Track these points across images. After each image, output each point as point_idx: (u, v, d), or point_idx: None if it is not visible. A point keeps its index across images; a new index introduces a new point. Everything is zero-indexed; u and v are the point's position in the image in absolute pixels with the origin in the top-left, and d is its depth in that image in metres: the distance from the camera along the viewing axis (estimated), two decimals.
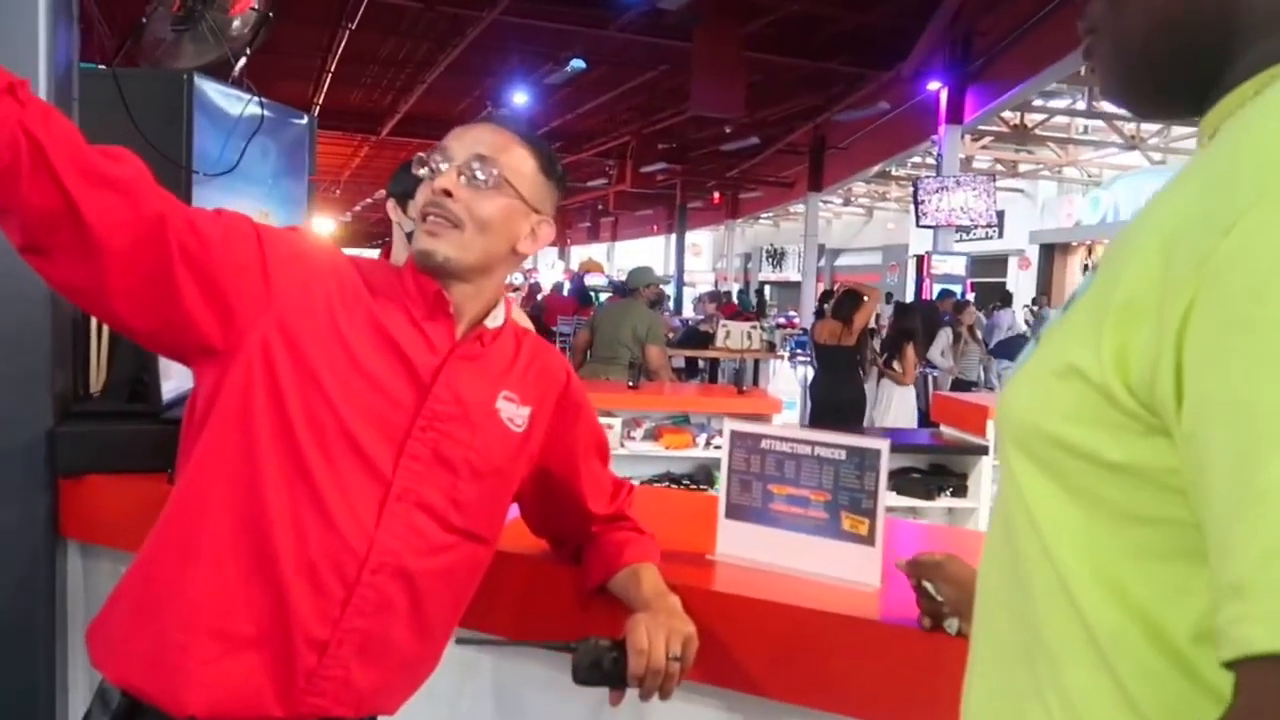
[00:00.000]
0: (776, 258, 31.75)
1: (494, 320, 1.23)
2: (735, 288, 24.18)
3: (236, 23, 3.22)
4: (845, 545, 1.35)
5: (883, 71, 12.85)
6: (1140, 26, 0.64)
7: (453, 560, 1.17)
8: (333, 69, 14.06)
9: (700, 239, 30.99)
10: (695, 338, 8.56)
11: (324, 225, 25.21)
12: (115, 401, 2.13)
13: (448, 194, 1.13)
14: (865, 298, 6.17)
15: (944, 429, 4.17)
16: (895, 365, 6.18)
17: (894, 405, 6.14)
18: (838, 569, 1.35)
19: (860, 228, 29.49)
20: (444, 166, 1.15)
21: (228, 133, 2.88)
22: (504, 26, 11.77)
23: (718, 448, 4.00)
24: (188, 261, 1.03)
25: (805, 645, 1.26)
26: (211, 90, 2.85)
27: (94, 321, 2.20)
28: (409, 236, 2.35)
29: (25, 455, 1.91)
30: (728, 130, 16.32)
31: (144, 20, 3.47)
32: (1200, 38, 0.61)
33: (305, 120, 3.36)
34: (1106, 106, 16.49)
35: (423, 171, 1.16)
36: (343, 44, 12.64)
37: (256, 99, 2.86)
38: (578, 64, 12.40)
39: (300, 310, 1.09)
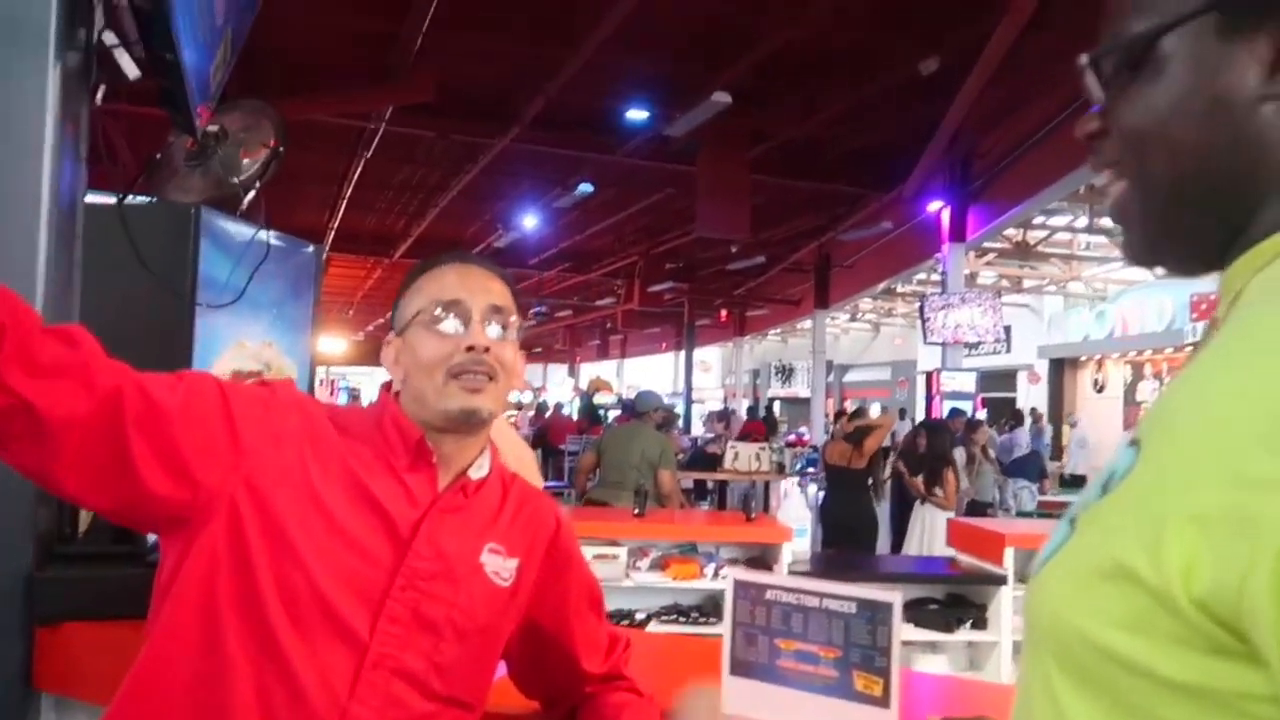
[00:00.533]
0: (785, 373, 31.82)
1: (479, 470, 1.18)
2: (745, 404, 24.15)
3: (246, 160, 3.30)
4: (858, 707, 1.25)
5: (885, 192, 13.12)
6: (1165, 172, 0.61)
7: None
8: (348, 195, 14.45)
9: (709, 355, 31.16)
10: (703, 459, 8.47)
11: (335, 345, 25.52)
12: (100, 542, 2.07)
13: (486, 349, 1.12)
14: (875, 426, 6.10)
15: (961, 557, 4.03)
16: (937, 490, 6.03)
17: (939, 530, 5.95)
18: None
19: (868, 343, 29.65)
20: (471, 321, 1.14)
21: (234, 262, 2.90)
22: (514, 153, 12.14)
23: (725, 578, 3.86)
24: (145, 435, 1.00)
25: None
26: (220, 221, 2.89)
27: None
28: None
29: (1, 601, 1.83)
30: (734, 250, 16.60)
31: (158, 155, 3.56)
32: (1225, 188, 0.59)
33: (312, 249, 3.40)
34: (1108, 223, 16.76)
35: (445, 327, 1.13)
36: (358, 171, 13.01)
37: (263, 232, 2.90)
38: (585, 188, 12.74)
39: (271, 469, 1.05)
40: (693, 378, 22.93)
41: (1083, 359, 24.23)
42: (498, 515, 1.19)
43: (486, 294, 1.16)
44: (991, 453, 7.44)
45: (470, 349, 1.11)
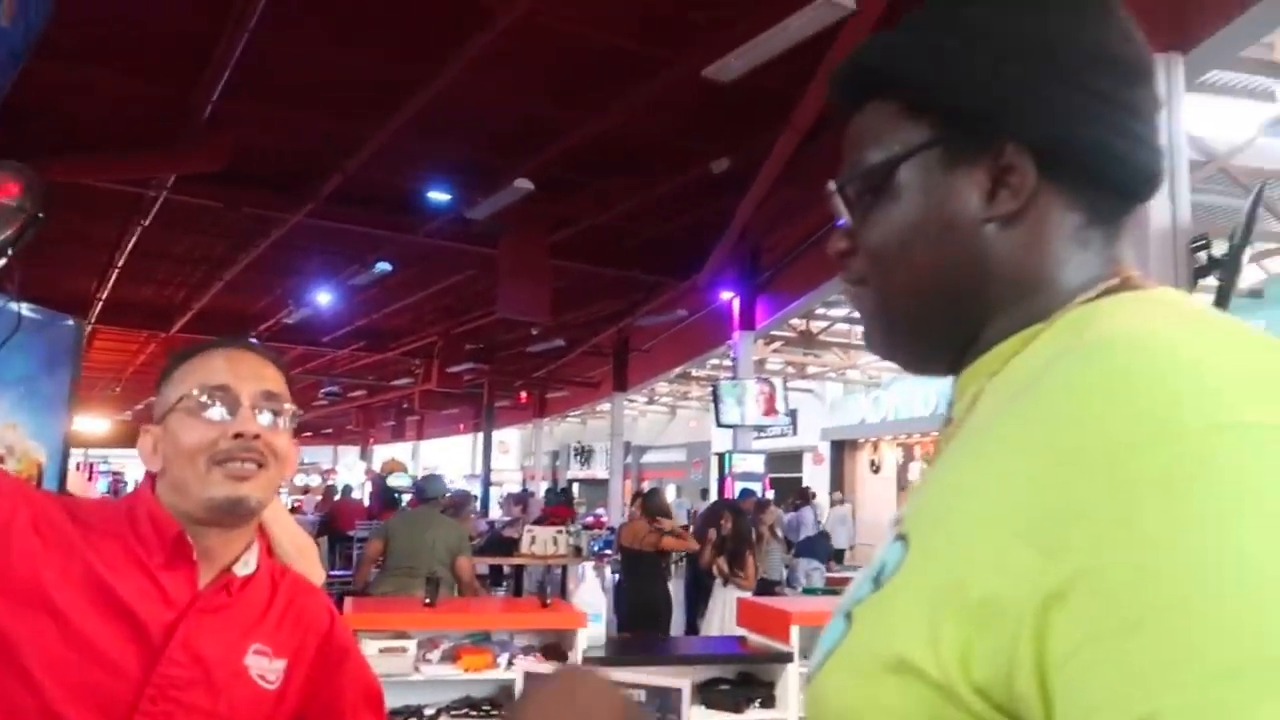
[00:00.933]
0: (584, 455, 31.98)
1: (245, 566, 1.11)
2: (544, 486, 23.99)
3: None
4: None
5: (681, 280, 13.67)
6: (905, 287, 0.67)
7: None
8: (120, 264, 13.44)
9: (508, 436, 30.88)
10: (500, 544, 8.31)
11: (97, 425, 23.35)
12: None
13: (256, 436, 1.06)
14: (676, 537, 6.26)
15: (750, 636, 4.14)
16: (739, 571, 6.17)
17: (732, 611, 6.11)
18: None
19: (665, 425, 30.39)
20: (240, 407, 1.07)
21: None
22: (309, 228, 11.75)
23: (523, 666, 3.77)
24: None
25: None
26: None
27: None
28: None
29: None
30: (534, 332, 16.69)
31: None
32: (958, 301, 0.65)
33: (72, 322, 3.12)
34: None
35: (210, 414, 1.07)
36: (134, 240, 12.16)
37: (13, 303, 2.64)
38: (384, 267, 12.50)
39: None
40: (491, 459, 22.59)
41: (860, 441, 25.94)
42: (265, 613, 1.11)
43: (258, 380, 1.11)
44: (779, 532, 7.75)
45: (238, 435, 1.05)
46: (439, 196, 11.04)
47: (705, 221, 11.71)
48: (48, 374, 2.96)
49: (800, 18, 5.90)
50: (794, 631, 3.73)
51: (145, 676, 0.98)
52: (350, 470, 26.34)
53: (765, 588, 7.16)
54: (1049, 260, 0.63)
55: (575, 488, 29.75)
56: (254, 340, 1.22)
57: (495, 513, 17.23)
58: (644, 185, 10.63)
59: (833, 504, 18.25)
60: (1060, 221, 0.63)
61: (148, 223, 11.49)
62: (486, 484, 21.77)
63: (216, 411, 1.07)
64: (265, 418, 1.09)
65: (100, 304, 15.68)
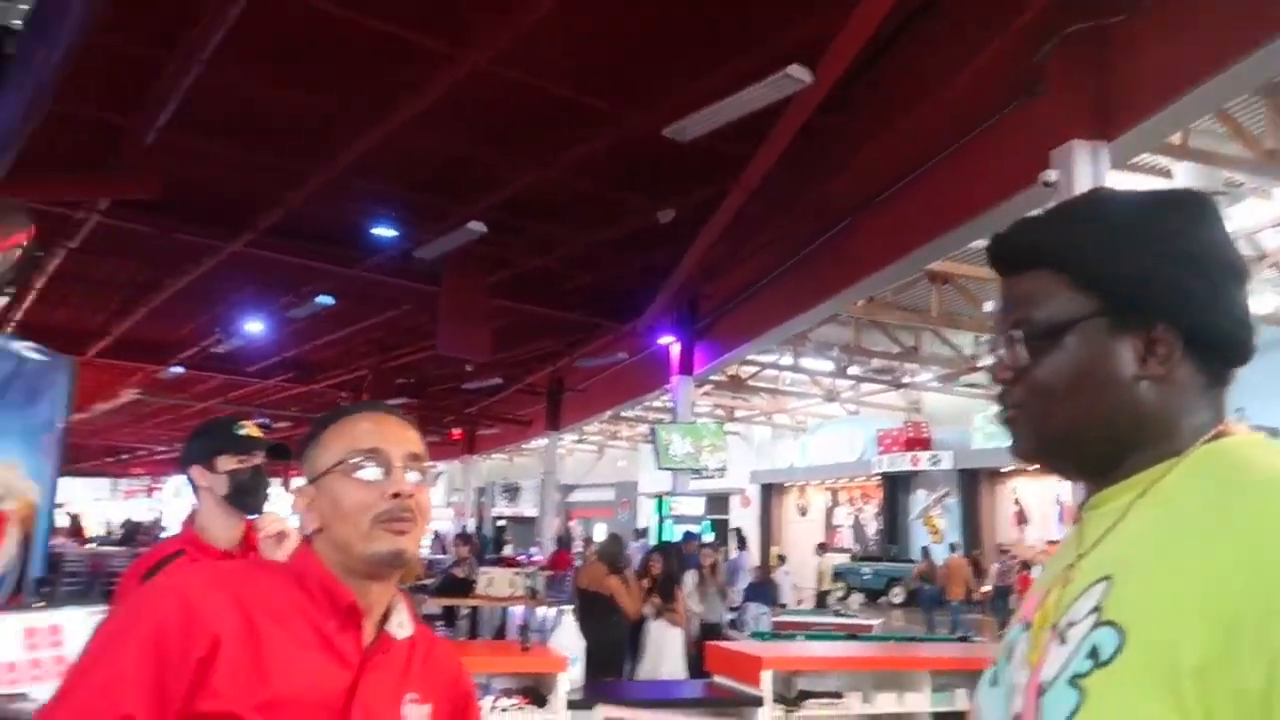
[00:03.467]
0: (512, 492, 31.73)
1: (402, 629, 1.21)
2: (472, 523, 23.69)
3: None
4: None
5: (619, 323, 13.82)
6: (1065, 420, 0.85)
7: None
8: (40, 285, 12.96)
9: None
10: (452, 585, 8.25)
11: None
12: None
13: (410, 495, 1.16)
14: (623, 596, 6.39)
15: (718, 679, 4.23)
16: (670, 605, 6.28)
17: (667, 648, 6.20)
18: None
19: (592, 464, 30.36)
20: (393, 469, 1.17)
21: None
22: (244, 258, 11.56)
23: (504, 710, 3.79)
24: None
25: None
26: None
27: None
28: (233, 500, 2.19)
29: None
30: (469, 369, 16.62)
31: None
32: (1109, 437, 0.84)
33: (64, 362, 3.08)
34: (809, 363, 18.61)
35: (366, 475, 1.15)
36: (57, 262, 11.77)
37: (16, 343, 2.62)
38: (325, 300, 12.33)
39: (216, 690, 1.01)
40: None
41: (788, 484, 26.28)
42: (409, 663, 1.21)
43: (404, 442, 1.20)
44: (721, 575, 7.87)
45: (395, 496, 1.14)
46: (384, 233, 11.01)
47: (645, 268, 11.91)
48: (40, 414, 2.91)
49: (758, 89, 6.16)
50: (765, 676, 3.83)
51: None
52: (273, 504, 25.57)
53: (709, 631, 7.25)
54: (1182, 410, 0.83)
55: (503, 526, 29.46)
56: (393, 405, 1.31)
57: (424, 551, 16.93)
58: (588, 232, 10.79)
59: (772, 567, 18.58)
60: (1191, 382, 0.83)
61: (74, 245, 11.15)
62: None
63: (371, 473, 1.16)
64: (413, 476, 1.18)
65: (11, 325, 15.06)
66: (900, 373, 19.53)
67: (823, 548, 20.29)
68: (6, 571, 2.76)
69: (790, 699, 4.07)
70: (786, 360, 17.92)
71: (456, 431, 23.58)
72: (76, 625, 2.30)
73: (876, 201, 8.39)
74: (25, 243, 2.64)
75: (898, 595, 19.21)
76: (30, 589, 2.81)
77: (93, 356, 17.33)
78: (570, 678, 3.71)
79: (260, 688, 1.03)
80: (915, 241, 8.08)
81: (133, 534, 17.94)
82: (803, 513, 26.27)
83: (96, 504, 37.86)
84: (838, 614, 10.05)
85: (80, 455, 38.40)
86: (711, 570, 7.98)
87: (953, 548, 17.70)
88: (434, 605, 7.90)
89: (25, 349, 2.53)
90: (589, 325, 14.66)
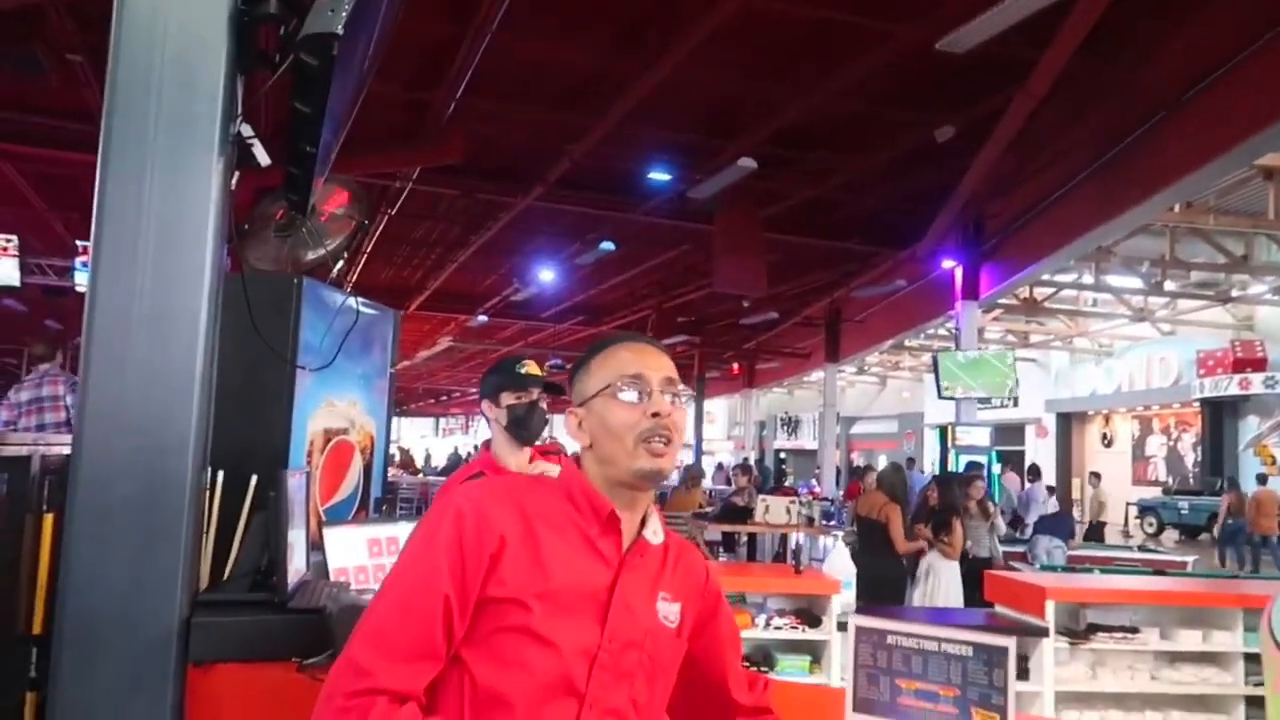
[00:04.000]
0: (791, 425, 31.95)
1: (656, 536, 1.37)
2: (753, 455, 24.22)
3: (332, 231, 3.53)
4: None
5: (896, 250, 13.42)
6: None
7: None
8: (368, 249, 14.73)
9: (713, 406, 31.30)
10: (732, 512, 8.64)
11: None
12: (237, 591, 2.24)
13: (668, 414, 1.31)
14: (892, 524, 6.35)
15: (999, 609, 4.18)
16: (945, 538, 6.23)
17: (944, 580, 6.15)
18: None
19: (874, 396, 29.80)
20: (652, 392, 1.32)
21: (325, 327, 3.12)
22: (535, 211, 12.45)
23: (777, 628, 4.02)
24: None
25: None
26: (313, 289, 3.11)
27: (204, 513, 2.34)
28: (511, 431, 2.53)
29: (158, 646, 1.96)
30: (746, 305, 16.87)
31: (245, 225, 3.80)
32: None
33: (392, 314, 3.62)
34: (1114, 280, 17.07)
35: (631, 396, 1.32)
36: (381, 227, 13.31)
37: (354, 299, 3.12)
38: (608, 246, 13.00)
39: (507, 581, 1.23)
40: (703, 429, 23.05)
41: (1090, 413, 24.32)
42: (663, 567, 1.37)
43: (661, 368, 1.35)
44: (991, 506, 7.52)
45: (655, 415, 1.30)
46: (659, 177, 11.38)
47: (921, 192, 11.45)
48: (374, 359, 3.46)
49: None
50: (1049, 606, 3.75)
51: (602, 625, 1.26)
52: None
53: (976, 565, 6.99)
54: None
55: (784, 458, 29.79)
56: (649, 336, 1.47)
57: (708, 482, 17.59)
58: (862, 158, 10.53)
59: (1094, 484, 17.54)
60: None
61: (394, 211, 12.57)
62: (698, 454, 22.27)
63: (633, 396, 1.31)
64: (669, 398, 1.33)
65: (350, 286, 17.25)
66: (1227, 286, 17.43)
67: (1096, 477, 18.61)
68: (353, 492, 3.32)
69: (1078, 631, 3.95)
70: (1088, 279, 16.56)
71: (735, 367, 24.03)
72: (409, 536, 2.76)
73: (1195, 91, 7.49)
74: (345, 205, 3.07)
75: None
76: (373, 507, 3.37)
77: (414, 310, 19.51)
78: (842, 601, 3.83)
79: (538, 580, 1.22)
80: (1243, 132, 7.13)
81: (455, 464, 20.14)
82: (1107, 443, 24.23)
83: (421, 440, 43.00)
84: (1143, 549, 9.33)
85: (408, 398, 43.49)
86: (980, 504, 7.55)
87: None
88: (714, 531, 8.28)
89: (361, 303, 2.99)
90: (865, 254, 14.36)
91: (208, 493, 2.35)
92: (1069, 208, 10.19)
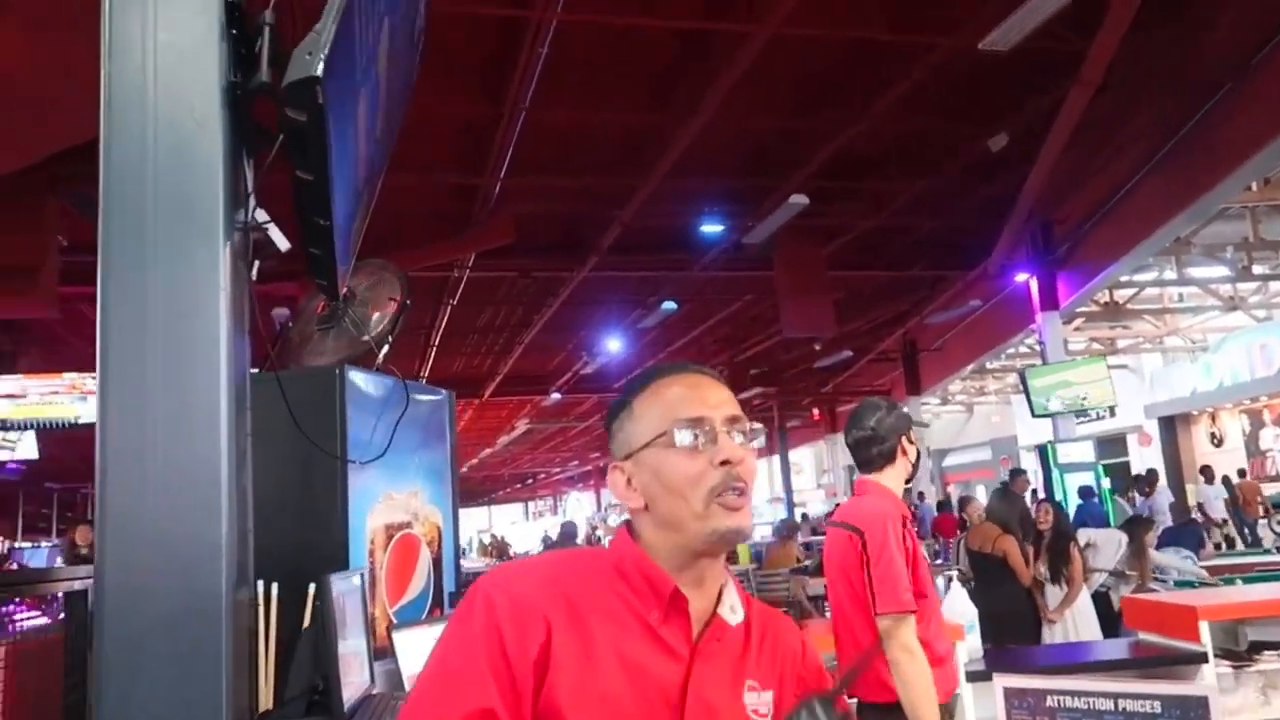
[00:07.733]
0: None
1: (734, 614, 1.10)
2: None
3: (375, 316, 3.40)
4: None
5: (965, 271, 12.99)
6: None
7: None
8: (437, 342, 14.86)
9: (799, 456, 30.61)
10: None
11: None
12: (294, 714, 2.05)
13: (741, 461, 1.06)
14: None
15: (1144, 636, 3.74)
16: (1065, 569, 5.73)
17: (1078, 613, 5.63)
18: None
19: (962, 425, 28.89)
20: (718, 435, 1.07)
21: (376, 416, 2.96)
22: (593, 281, 12.40)
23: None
24: None
25: None
26: (357, 379, 2.97)
27: (261, 633, 2.16)
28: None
29: None
30: (818, 347, 16.51)
31: (290, 323, 3.70)
32: None
33: (445, 395, 3.46)
34: (1198, 272, 16.27)
35: (693, 445, 1.06)
36: (445, 319, 13.41)
37: (402, 383, 2.96)
38: (669, 305, 12.85)
39: (553, 688, 0.97)
40: (791, 481, 22.50)
41: (1194, 413, 23.13)
42: (746, 649, 1.11)
43: (723, 404, 1.09)
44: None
45: (724, 463, 1.05)
46: (712, 229, 11.25)
47: (983, 206, 11.07)
48: (433, 445, 3.29)
49: None
50: (1203, 628, 3.32)
51: None
52: None
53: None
54: None
55: None
56: (700, 364, 1.20)
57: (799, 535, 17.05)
58: (914, 180, 10.24)
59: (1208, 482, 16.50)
60: None
61: (455, 301, 12.66)
62: (790, 506, 21.71)
63: (696, 441, 1.06)
64: (738, 439, 1.08)
65: (424, 380, 17.42)
66: None
67: (1208, 472, 17.32)
68: (424, 589, 3.12)
69: (1240, 653, 3.50)
70: (1170, 274, 15.81)
71: (816, 413, 23.52)
72: None
73: (1262, 54, 7.05)
74: (401, 302, 2.95)
75: None
76: (448, 603, 3.16)
77: (489, 397, 19.61)
78: (968, 647, 3.45)
79: (589, 686, 0.97)
80: None
81: (564, 541, 19.91)
82: (1217, 443, 22.91)
83: (512, 526, 43.23)
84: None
85: (495, 485, 43.61)
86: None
87: None
88: (816, 585, 7.84)
89: (411, 387, 2.83)
90: (933, 279, 13.94)
91: (261, 608, 2.17)
92: (1139, 202, 9.72)
